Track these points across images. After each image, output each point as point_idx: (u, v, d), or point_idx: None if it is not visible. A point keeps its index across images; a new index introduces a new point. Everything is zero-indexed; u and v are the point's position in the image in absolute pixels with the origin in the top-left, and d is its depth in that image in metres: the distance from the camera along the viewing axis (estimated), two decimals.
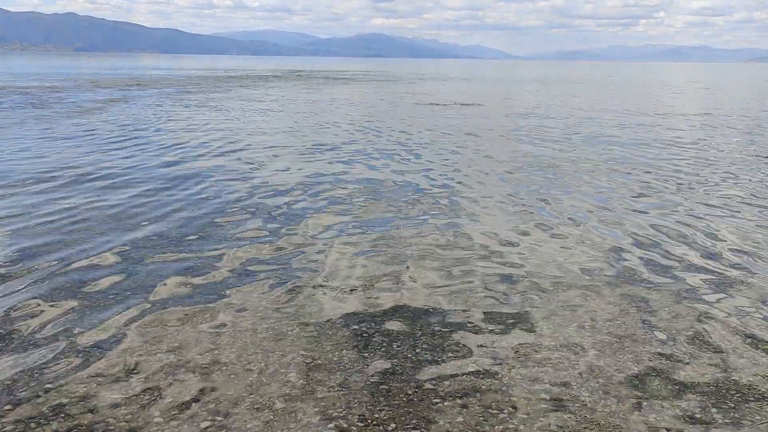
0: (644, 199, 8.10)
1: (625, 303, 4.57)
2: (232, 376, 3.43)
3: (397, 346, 3.82)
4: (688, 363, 3.65)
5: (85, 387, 3.28)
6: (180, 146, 12.20)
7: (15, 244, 5.72)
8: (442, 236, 6.23)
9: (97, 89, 29.54)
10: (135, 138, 13.20)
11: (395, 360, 3.64)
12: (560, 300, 4.61)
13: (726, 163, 11.20)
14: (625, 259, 5.61)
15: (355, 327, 4.08)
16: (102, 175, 9.06)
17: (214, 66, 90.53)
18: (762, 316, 4.37)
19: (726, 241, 6.24)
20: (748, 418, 3.09)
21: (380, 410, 3.12)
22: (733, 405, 3.20)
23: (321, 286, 4.82)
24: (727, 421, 3.07)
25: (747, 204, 7.92)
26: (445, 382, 3.39)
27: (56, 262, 5.25)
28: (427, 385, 3.36)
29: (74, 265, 5.17)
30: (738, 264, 5.53)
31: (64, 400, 3.15)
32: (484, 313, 4.34)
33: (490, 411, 3.12)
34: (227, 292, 4.67)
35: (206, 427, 2.95)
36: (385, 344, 3.84)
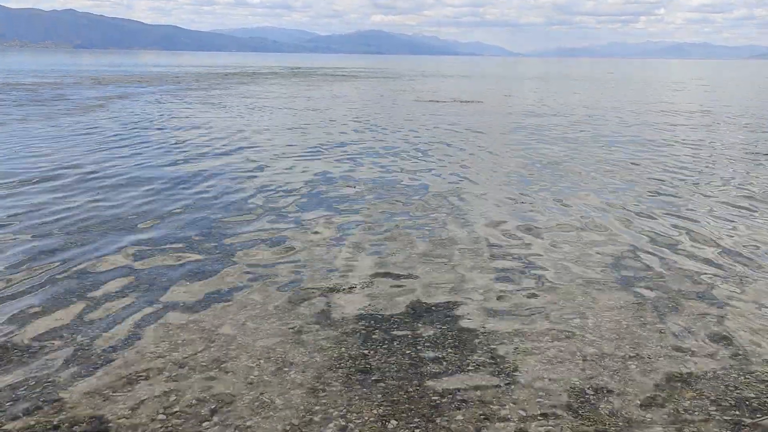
0: (651, 197, 8.11)
1: (634, 301, 4.58)
2: (235, 375, 3.45)
3: (398, 344, 3.84)
4: (701, 357, 3.67)
5: (91, 389, 3.31)
6: (183, 144, 12.18)
7: (18, 245, 5.72)
8: (445, 234, 6.25)
9: (98, 86, 29.52)
10: (138, 136, 13.18)
11: (395, 358, 3.66)
12: (566, 297, 4.63)
13: (730, 161, 11.21)
14: (636, 257, 5.62)
15: (355, 325, 4.10)
16: (105, 174, 9.03)
17: (214, 63, 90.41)
18: None
19: (736, 238, 6.27)
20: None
21: (380, 407, 3.15)
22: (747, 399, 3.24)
23: (323, 284, 4.84)
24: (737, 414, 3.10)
25: (759, 201, 7.95)
26: (445, 380, 3.41)
27: (60, 263, 5.25)
28: (428, 383, 3.38)
29: (79, 267, 5.17)
30: (750, 260, 5.56)
31: (68, 401, 3.18)
32: (486, 310, 4.37)
33: (491, 408, 3.14)
34: (234, 292, 4.69)
35: (209, 426, 2.98)
36: (386, 342, 3.87)
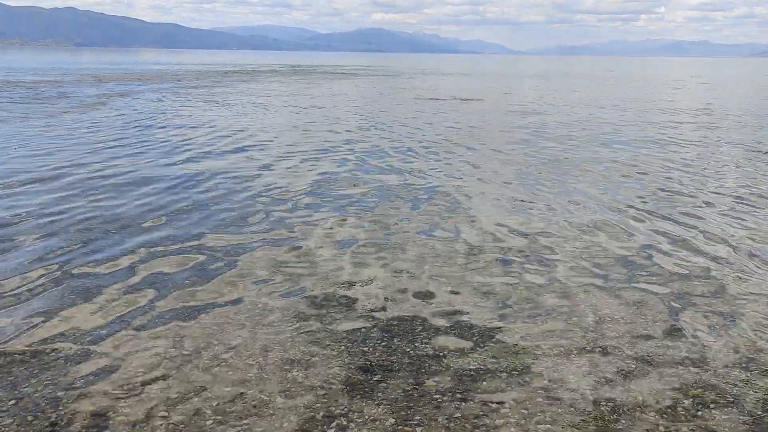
0: (658, 195, 8.12)
1: (644, 299, 4.60)
2: (236, 374, 3.47)
3: (398, 341, 3.86)
4: (712, 354, 3.69)
5: (93, 390, 3.33)
6: (186, 143, 12.14)
7: (20, 246, 5.74)
8: (449, 233, 6.26)
9: (99, 84, 29.49)
10: (140, 135, 13.15)
11: (395, 356, 3.68)
12: (567, 296, 4.64)
13: (735, 159, 11.23)
14: (644, 256, 5.63)
15: (357, 323, 4.12)
16: (108, 174, 9.00)
17: (215, 61, 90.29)
18: None
19: (746, 234, 6.29)
20: None
21: (379, 406, 3.16)
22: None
23: (326, 284, 4.86)
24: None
25: (762, 197, 7.97)
26: (444, 378, 3.43)
27: (63, 263, 5.26)
28: (427, 381, 3.40)
29: (82, 268, 5.17)
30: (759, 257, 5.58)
31: (70, 401, 3.20)
32: (490, 309, 4.38)
33: (490, 406, 3.16)
34: (236, 293, 4.70)
35: (209, 423, 2.99)
36: (385, 339, 3.89)
